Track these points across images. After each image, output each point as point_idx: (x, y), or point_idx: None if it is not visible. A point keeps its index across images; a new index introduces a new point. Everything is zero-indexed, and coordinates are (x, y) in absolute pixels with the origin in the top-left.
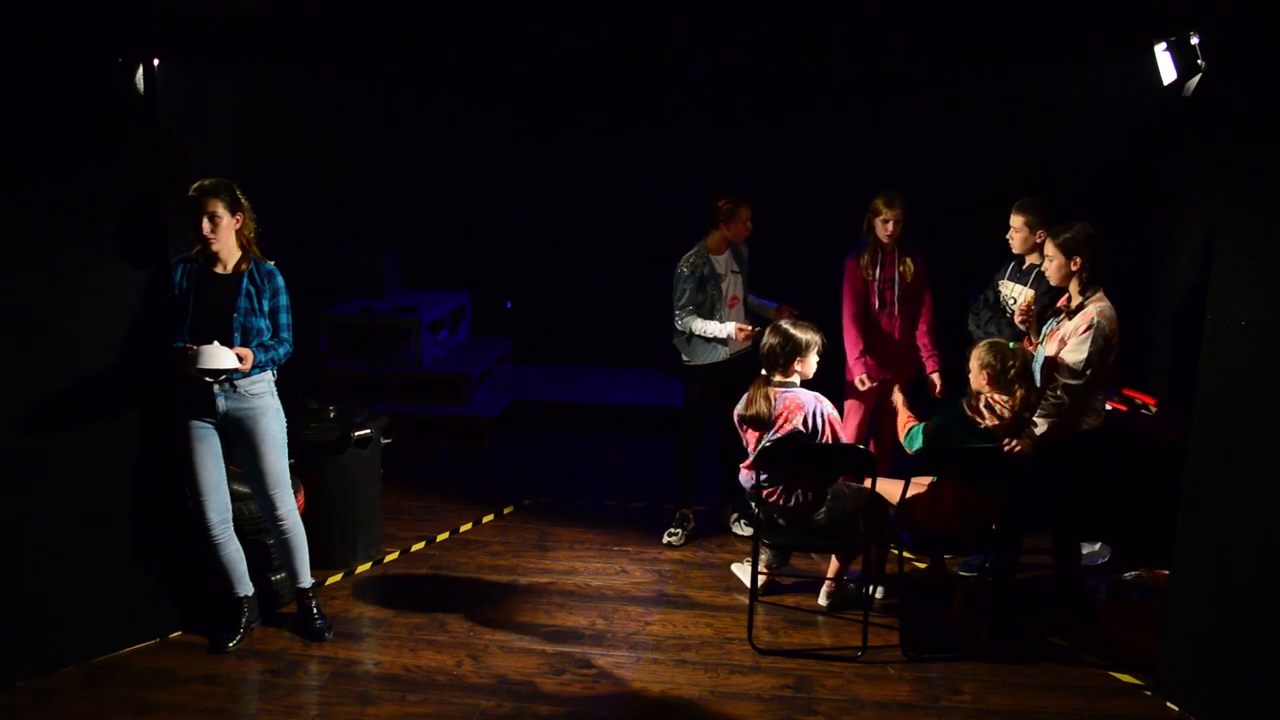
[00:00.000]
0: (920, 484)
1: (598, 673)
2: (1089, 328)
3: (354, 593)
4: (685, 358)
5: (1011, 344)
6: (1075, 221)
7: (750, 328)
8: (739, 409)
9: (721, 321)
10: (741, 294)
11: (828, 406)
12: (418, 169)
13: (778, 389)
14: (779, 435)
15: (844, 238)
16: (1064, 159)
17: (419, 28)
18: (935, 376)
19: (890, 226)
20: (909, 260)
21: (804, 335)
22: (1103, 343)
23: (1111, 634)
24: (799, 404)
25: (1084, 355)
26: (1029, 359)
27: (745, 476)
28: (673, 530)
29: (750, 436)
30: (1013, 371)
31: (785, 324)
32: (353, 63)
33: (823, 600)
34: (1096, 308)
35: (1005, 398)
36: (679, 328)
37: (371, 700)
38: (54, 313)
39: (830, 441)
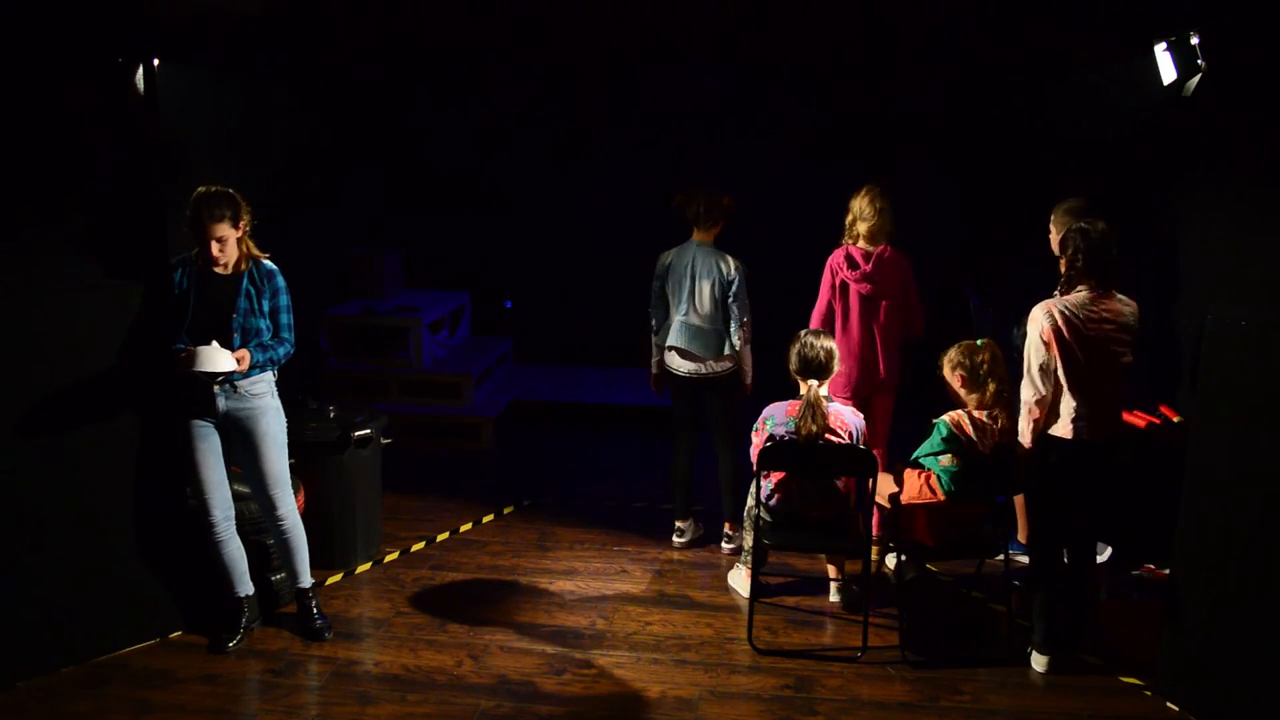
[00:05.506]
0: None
1: (598, 673)
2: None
3: (354, 593)
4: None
5: (979, 340)
6: (1078, 218)
7: None
8: (785, 428)
9: None
10: None
11: (861, 421)
12: (417, 169)
13: (825, 403)
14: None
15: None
16: (1064, 159)
17: (418, 28)
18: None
19: (869, 223)
20: (889, 260)
21: (831, 343)
22: (1033, 352)
23: (1111, 634)
24: (844, 423)
25: (1027, 364)
26: (999, 354)
27: (765, 485)
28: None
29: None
30: (984, 368)
31: (808, 334)
32: (352, 62)
33: (834, 597)
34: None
35: (992, 411)
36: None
37: (371, 700)
38: (54, 313)
39: None
